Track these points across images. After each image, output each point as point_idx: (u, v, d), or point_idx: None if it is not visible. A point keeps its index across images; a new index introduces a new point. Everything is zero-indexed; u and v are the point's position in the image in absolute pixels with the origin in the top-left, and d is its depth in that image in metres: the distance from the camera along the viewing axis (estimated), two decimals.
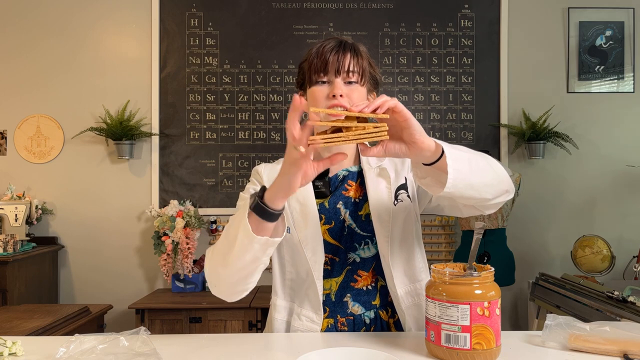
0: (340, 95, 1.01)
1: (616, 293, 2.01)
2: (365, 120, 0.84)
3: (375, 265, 1.11)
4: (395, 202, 1.10)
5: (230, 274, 0.94)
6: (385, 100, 0.81)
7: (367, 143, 0.85)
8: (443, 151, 0.84)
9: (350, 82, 1.04)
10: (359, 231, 1.11)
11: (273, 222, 0.89)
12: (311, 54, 1.06)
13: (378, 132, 0.81)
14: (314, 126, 0.82)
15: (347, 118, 0.83)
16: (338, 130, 0.82)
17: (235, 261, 0.91)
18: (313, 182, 1.11)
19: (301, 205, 1.10)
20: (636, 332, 0.92)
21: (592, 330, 0.92)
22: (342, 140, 0.80)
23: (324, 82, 1.05)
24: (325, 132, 0.84)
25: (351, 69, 1.04)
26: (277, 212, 0.88)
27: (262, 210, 0.87)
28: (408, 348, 0.93)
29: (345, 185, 1.13)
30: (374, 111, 0.81)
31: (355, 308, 1.10)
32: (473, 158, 0.89)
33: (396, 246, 1.09)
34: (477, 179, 0.88)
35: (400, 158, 0.87)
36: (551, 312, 1.61)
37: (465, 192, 0.88)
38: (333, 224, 1.11)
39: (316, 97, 1.04)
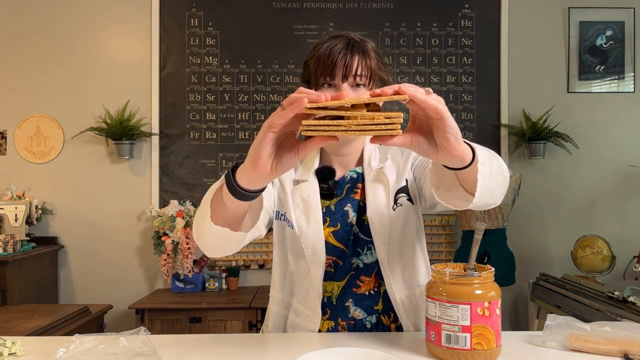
0: None
1: (616, 293, 2.01)
2: (377, 107, 0.70)
3: (377, 270, 1.09)
4: (395, 206, 1.07)
5: (205, 239, 0.91)
6: (412, 90, 0.67)
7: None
8: (473, 159, 0.75)
9: (357, 85, 1.02)
10: (362, 236, 1.08)
11: (244, 202, 0.79)
12: (319, 53, 1.03)
13: (389, 124, 0.65)
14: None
15: (355, 106, 0.68)
16: (340, 117, 0.67)
17: (204, 235, 0.88)
18: (319, 183, 1.09)
19: (305, 203, 1.08)
20: (636, 332, 0.92)
21: (593, 330, 0.92)
22: (343, 130, 0.65)
23: (330, 85, 1.02)
24: (324, 119, 0.68)
25: (359, 72, 1.01)
26: (242, 190, 0.76)
27: (229, 182, 0.77)
28: (408, 348, 0.93)
29: (355, 188, 1.10)
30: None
31: (357, 313, 1.09)
32: (491, 159, 0.81)
33: (394, 252, 1.07)
34: (494, 183, 0.81)
35: (426, 157, 0.77)
36: (551, 312, 1.61)
37: (486, 199, 0.81)
38: (339, 226, 1.08)
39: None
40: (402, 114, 0.66)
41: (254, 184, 0.76)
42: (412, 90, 0.67)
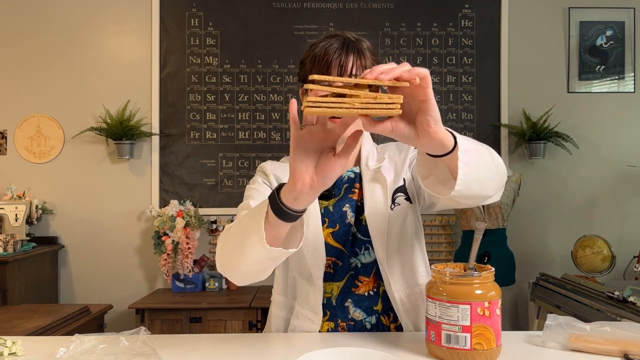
0: None
1: (616, 293, 2.01)
2: (377, 88, 0.70)
3: (376, 270, 1.09)
4: (393, 206, 1.07)
5: (239, 269, 0.89)
6: (411, 69, 0.69)
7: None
8: (454, 146, 0.76)
9: None
10: (359, 236, 1.09)
11: (291, 222, 0.80)
12: (314, 53, 1.04)
13: (391, 104, 0.67)
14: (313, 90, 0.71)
15: (358, 86, 0.69)
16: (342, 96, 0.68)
17: (245, 261, 0.86)
18: None
19: None
20: (636, 332, 0.92)
21: (593, 330, 0.92)
22: (346, 108, 0.66)
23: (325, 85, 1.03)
24: (326, 97, 0.69)
25: (354, 72, 1.01)
26: (288, 210, 0.77)
27: (275, 203, 0.78)
28: (408, 348, 0.93)
29: (352, 188, 1.11)
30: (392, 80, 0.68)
31: (357, 314, 1.09)
32: (479, 150, 0.82)
33: (393, 251, 1.07)
34: (483, 173, 0.81)
35: (406, 143, 0.77)
36: (551, 312, 1.61)
37: (472, 189, 0.81)
38: (337, 227, 1.09)
39: None
40: (402, 96, 0.68)
41: (297, 202, 0.76)
42: (412, 74, 0.69)
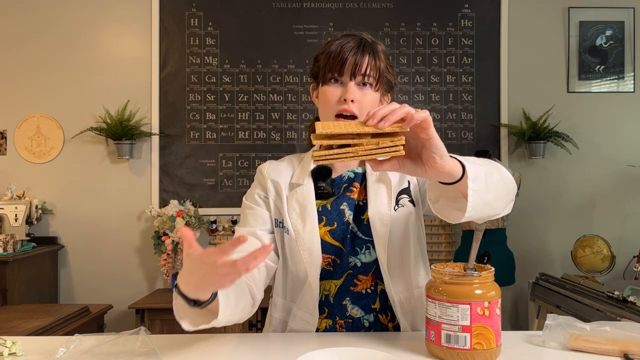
0: (352, 101, 1.00)
1: (616, 293, 2.01)
2: (379, 134, 0.74)
3: (375, 269, 1.09)
4: (396, 207, 1.08)
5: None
6: (410, 113, 0.72)
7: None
8: (463, 173, 0.78)
9: (364, 84, 1.03)
10: (360, 235, 1.09)
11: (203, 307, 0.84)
12: (330, 49, 1.04)
13: (393, 147, 0.71)
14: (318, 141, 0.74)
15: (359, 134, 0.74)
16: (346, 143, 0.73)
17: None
18: (316, 183, 1.09)
19: (300, 206, 1.08)
20: (636, 332, 0.92)
21: (593, 330, 0.92)
22: (351, 157, 0.72)
23: (337, 81, 1.04)
24: (331, 148, 0.74)
25: (367, 72, 1.02)
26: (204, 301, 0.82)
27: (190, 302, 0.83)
28: (408, 348, 0.93)
29: (351, 187, 1.11)
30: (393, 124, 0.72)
31: (355, 311, 1.09)
32: (488, 172, 0.84)
33: (394, 253, 1.07)
34: (492, 195, 0.84)
35: (414, 176, 0.82)
36: (551, 312, 1.61)
37: (482, 212, 0.84)
38: (335, 225, 1.09)
39: (327, 97, 1.04)
40: (403, 137, 0.72)
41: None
42: (418, 117, 0.72)
